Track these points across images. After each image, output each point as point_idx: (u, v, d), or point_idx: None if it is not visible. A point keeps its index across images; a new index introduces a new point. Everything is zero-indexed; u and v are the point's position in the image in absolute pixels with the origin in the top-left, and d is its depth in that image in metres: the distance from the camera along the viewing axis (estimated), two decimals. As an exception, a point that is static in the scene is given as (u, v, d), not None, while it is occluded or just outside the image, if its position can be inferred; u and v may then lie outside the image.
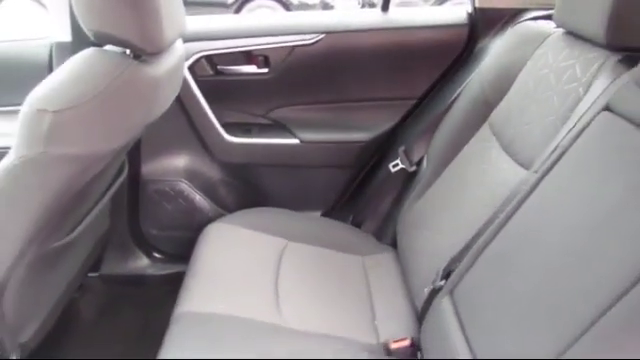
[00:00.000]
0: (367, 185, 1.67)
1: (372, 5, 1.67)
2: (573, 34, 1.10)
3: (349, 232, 1.55)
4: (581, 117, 0.92)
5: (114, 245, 1.63)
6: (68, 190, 0.95)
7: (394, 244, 1.44)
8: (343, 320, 1.18)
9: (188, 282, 1.22)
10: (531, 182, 0.95)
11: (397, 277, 1.33)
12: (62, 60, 1.11)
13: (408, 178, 1.51)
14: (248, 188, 1.70)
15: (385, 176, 1.58)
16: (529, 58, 1.20)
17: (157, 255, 1.71)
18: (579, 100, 0.97)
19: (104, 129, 0.95)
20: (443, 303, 1.03)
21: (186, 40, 1.36)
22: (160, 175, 1.63)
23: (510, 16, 1.49)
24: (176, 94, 1.26)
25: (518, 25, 1.37)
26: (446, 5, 5.15)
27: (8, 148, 0.93)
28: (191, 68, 1.55)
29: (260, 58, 1.61)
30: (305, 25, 1.62)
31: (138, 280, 1.70)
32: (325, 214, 1.72)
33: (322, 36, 1.58)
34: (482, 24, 1.55)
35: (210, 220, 1.45)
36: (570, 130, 0.93)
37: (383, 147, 1.64)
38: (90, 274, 1.59)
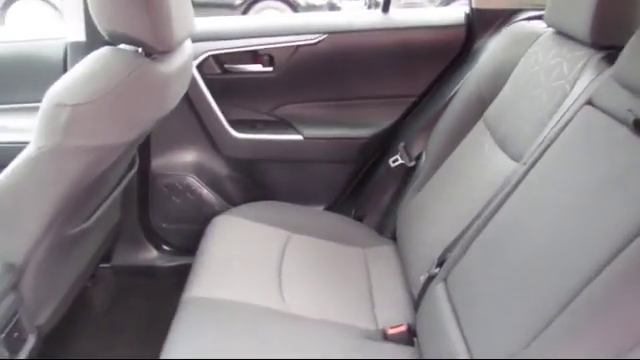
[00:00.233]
0: (368, 180, 1.71)
1: (378, 6, 1.71)
2: (562, 34, 1.15)
3: (351, 225, 1.59)
4: (566, 111, 0.97)
5: (125, 237, 1.68)
6: (83, 180, 1.01)
7: (394, 237, 1.48)
8: (343, 307, 1.22)
9: (195, 270, 1.26)
10: (519, 173, 1.00)
11: (396, 268, 1.37)
12: (76, 59, 1.17)
13: (407, 173, 1.55)
14: (253, 182, 1.74)
15: (385, 171, 1.62)
16: (522, 56, 1.24)
17: (166, 247, 1.75)
18: (565, 96, 1.02)
19: (118, 123, 1.01)
20: (437, 290, 1.08)
21: (195, 40, 1.41)
22: (169, 170, 1.68)
23: (506, 17, 1.53)
24: (185, 91, 1.31)
25: (513, 25, 1.42)
26: (452, 6, 5.18)
27: (26, 143, 0.98)
28: (199, 67, 1.60)
29: (265, 57, 1.66)
30: (308, 26, 1.66)
31: (148, 271, 1.74)
32: (328, 208, 1.75)
33: (325, 36, 1.62)
34: (479, 24, 1.59)
35: (217, 214, 1.49)
36: (556, 124, 0.98)
37: (384, 143, 1.68)
38: (102, 265, 1.64)
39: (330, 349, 1.08)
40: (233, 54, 1.64)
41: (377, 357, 1.08)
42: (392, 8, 1.69)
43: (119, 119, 1.01)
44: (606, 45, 1.00)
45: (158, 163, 1.66)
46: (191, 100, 1.59)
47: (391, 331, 1.16)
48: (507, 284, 0.88)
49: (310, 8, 5.88)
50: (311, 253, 1.38)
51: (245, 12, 5.88)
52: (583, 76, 1.00)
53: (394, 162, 1.57)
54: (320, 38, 1.63)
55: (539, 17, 1.30)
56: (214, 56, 1.63)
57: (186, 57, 1.23)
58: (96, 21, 1.01)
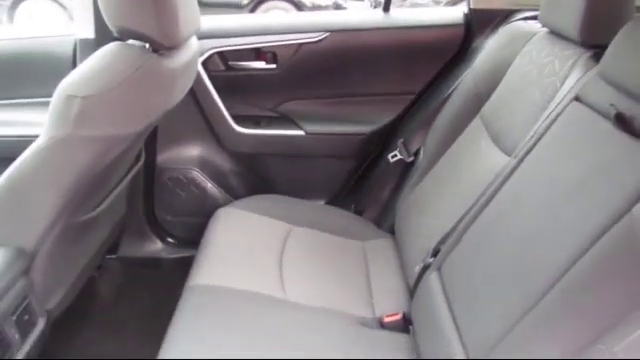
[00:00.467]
0: (368, 175, 1.74)
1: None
2: (555, 33, 1.19)
3: (350, 219, 1.63)
4: (555, 107, 1.01)
5: (131, 229, 1.72)
6: (92, 169, 1.05)
7: (393, 231, 1.51)
8: (341, 297, 1.25)
9: (199, 259, 1.30)
10: (510, 167, 1.04)
11: (394, 260, 1.40)
12: (85, 55, 1.20)
13: (406, 168, 1.59)
14: (256, 177, 1.77)
15: (385, 166, 1.65)
16: (517, 55, 1.28)
17: (170, 240, 1.79)
18: (555, 92, 1.06)
19: (126, 114, 1.05)
20: (431, 279, 1.12)
21: (200, 37, 1.44)
22: (174, 163, 1.71)
23: (503, 16, 1.56)
24: (190, 85, 1.34)
25: (509, 25, 1.45)
26: (459, 6, 5.18)
27: (36, 136, 1.02)
28: (204, 63, 1.63)
29: (269, 55, 1.69)
30: (311, 24, 1.70)
31: (153, 263, 1.78)
32: (328, 202, 1.78)
33: (327, 35, 1.66)
34: (477, 24, 1.62)
35: (220, 207, 1.52)
36: (546, 119, 1.02)
37: (383, 139, 1.71)
38: (108, 256, 1.69)
39: (328, 335, 1.11)
40: (237, 51, 1.68)
41: (373, 344, 1.12)
42: (394, 8, 1.73)
43: (127, 111, 1.05)
44: (594, 44, 1.03)
45: (164, 157, 1.70)
46: (196, 96, 1.63)
47: (387, 319, 1.20)
48: (495, 272, 0.92)
49: (316, 9, 5.91)
50: (311, 245, 1.41)
51: (252, 12, 5.92)
52: (572, 73, 1.04)
53: (393, 157, 1.60)
54: (322, 36, 1.66)
55: (535, 17, 1.33)
56: (219, 53, 1.67)
57: (192, 53, 1.26)
58: (106, 18, 1.05)
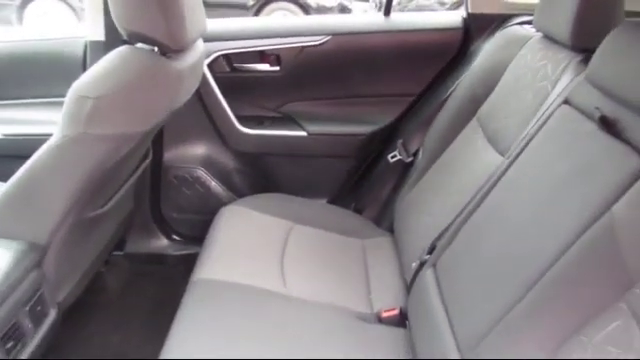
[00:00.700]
0: (368, 174, 1.78)
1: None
2: (548, 37, 1.22)
3: (350, 218, 1.66)
4: (546, 110, 1.04)
5: (137, 226, 1.77)
6: (102, 166, 1.10)
7: (392, 229, 1.54)
8: (341, 293, 1.28)
9: (204, 255, 1.33)
10: (503, 167, 1.08)
11: (392, 258, 1.43)
12: (95, 57, 1.25)
13: (405, 168, 1.62)
14: (259, 176, 1.81)
15: (384, 166, 1.69)
16: (513, 59, 1.32)
17: (176, 237, 1.83)
18: (547, 95, 1.10)
19: (134, 114, 1.10)
20: (427, 275, 1.16)
21: (206, 40, 1.48)
22: (180, 162, 1.76)
23: (500, 21, 1.60)
24: (196, 87, 1.39)
25: (506, 29, 1.49)
26: (458, 11, 5.21)
27: (49, 135, 1.07)
28: (210, 65, 1.67)
29: (272, 57, 1.73)
30: (314, 28, 1.74)
31: (158, 259, 1.82)
32: (329, 201, 1.82)
33: (329, 38, 1.70)
34: (475, 28, 1.66)
35: (224, 205, 1.55)
36: (537, 121, 1.05)
37: (383, 139, 1.75)
38: (116, 252, 1.73)
39: (327, 329, 1.15)
40: (242, 54, 1.72)
41: (371, 338, 1.15)
42: (398, 10, 1.76)
43: (136, 111, 1.10)
44: (585, 48, 1.07)
45: (170, 156, 1.74)
46: (202, 97, 1.67)
47: (385, 314, 1.23)
48: (485, 267, 0.96)
49: (321, 9, 5.94)
50: (312, 243, 1.44)
51: (257, 13, 5.96)
52: (563, 77, 1.08)
53: (393, 158, 1.64)
54: (324, 39, 1.70)
55: (530, 22, 1.37)
56: (224, 55, 1.71)
57: (198, 56, 1.31)
58: (116, 22, 1.10)
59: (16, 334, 1.01)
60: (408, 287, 1.26)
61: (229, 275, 1.25)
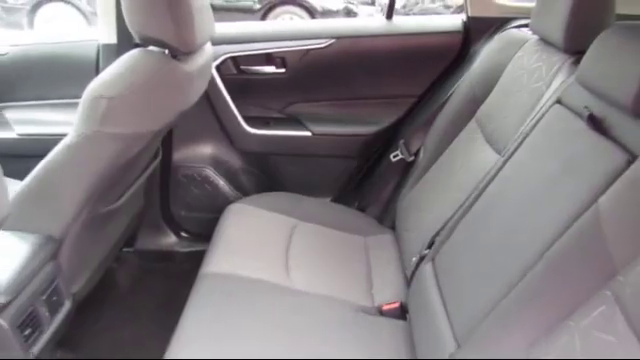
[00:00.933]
0: (371, 174, 1.82)
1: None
2: (543, 40, 1.26)
3: (354, 216, 1.70)
4: (540, 109, 1.09)
5: (147, 224, 1.81)
6: (115, 163, 1.15)
7: (394, 227, 1.57)
8: (343, 287, 1.32)
9: (212, 250, 1.37)
10: (498, 165, 1.12)
11: (394, 254, 1.47)
12: (108, 59, 1.30)
13: (407, 167, 1.66)
14: (265, 175, 1.86)
15: (387, 166, 1.73)
16: (510, 61, 1.35)
17: (184, 234, 1.88)
18: (541, 96, 1.14)
19: (146, 113, 1.15)
20: (426, 269, 1.20)
21: (214, 43, 1.52)
22: (189, 162, 1.80)
23: (499, 24, 1.64)
24: (205, 88, 1.44)
25: (504, 32, 1.53)
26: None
27: (63, 135, 1.12)
28: (218, 68, 1.72)
29: (278, 60, 1.77)
30: (318, 31, 1.78)
31: (167, 256, 1.87)
32: (333, 199, 1.86)
33: (333, 41, 1.74)
34: (475, 31, 1.70)
35: (231, 203, 1.58)
36: (531, 121, 1.10)
37: (385, 140, 1.78)
38: (126, 249, 1.78)
39: (330, 320, 1.19)
40: (249, 56, 1.76)
41: (373, 329, 1.19)
42: (404, 14, 1.79)
43: (147, 110, 1.15)
44: (577, 50, 1.11)
45: (179, 155, 1.79)
46: (210, 98, 1.71)
47: (386, 307, 1.27)
48: (480, 259, 1.00)
49: (327, 13, 5.98)
50: (316, 239, 1.48)
51: (264, 17, 6.01)
52: (557, 78, 1.12)
53: (395, 157, 1.68)
54: (329, 42, 1.74)
55: (528, 25, 1.40)
56: (231, 58, 1.75)
57: (206, 58, 1.36)
58: (129, 26, 1.15)
59: (34, 322, 1.07)
60: (408, 281, 1.30)
61: (236, 269, 1.28)
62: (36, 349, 1.07)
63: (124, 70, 1.12)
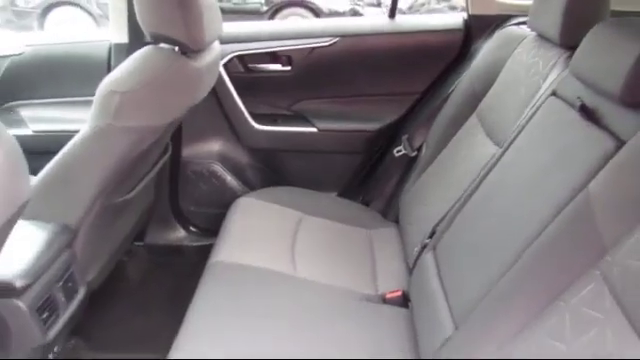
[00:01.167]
0: (375, 169, 1.85)
1: (401, 13, 1.83)
2: (540, 36, 1.30)
3: (358, 210, 1.73)
4: (536, 102, 1.12)
5: (157, 218, 1.85)
6: (128, 156, 1.20)
7: (397, 221, 1.61)
8: (348, 276, 1.36)
9: (220, 241, 1.41)
10: (496, 156, 1.16)
11: (398, 247, 1.50)
12: (119, 58, 1.34)
13: (410, 162, 1.70)
14: (272, 170, 1.89)
15: (390, 161, 1.76)
16: (509, 57, 1.39)
17: (193, 229, 1.92)
18: (538, 89, 1.18)
19: (157, 108, 1.19)
20: (427, 258, 1.24)
21: (222, 42, 1.56)
22: (197, 158, 1.84)
23: (499, 21, 1.67)
24: (213, 84, 1.48)
25: (504, 29, 1.57)
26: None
27: (76, 132, 1.16)
28: (226, 66, 1.76)
29: (284, 58, 1.82)
30: (323, 30, 1.82)
31: (176, 250, 1.91)
32: (338, 194, 1.89)
33: (337, 39, 1.78)
34: (475, 28, 1.73)
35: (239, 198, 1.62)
36: (528, 112, 1.13)
37: (389, 135, 1.82)
38: (137, 243, 1.83)
39: (334, 307, 1.22)
40: (256, 55, 1.80)
41: (376, 316, 1.22)
42: (410, 13, 1.83)
43: (158, 105, 1.20)
44: (572, 45, 1.14)
45: (188, 152, 1.83)
46: (218, 96, 1.76)
47: (389, 295, 1.31)
48: (478, 245, 1.04)
49: (333, 14, 6.00)
50: (321, 232, 1.52)
51: (271, 19, 6.06)
52: (553, 72, 1.16)
53: (398, 152, 1.72)
54: (333, 41, 1.78)
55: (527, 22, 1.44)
56: (239, 56, 1.80)
57: (215, 56, 1.40)
58: (141, 24, 1.20)
59: (51, 306, 1.12)
60: (410, 270, 1.33)
61: (243, 258, 1.32)
62: (52, 333, 1.12)
63: (136, 66, 1.17)
